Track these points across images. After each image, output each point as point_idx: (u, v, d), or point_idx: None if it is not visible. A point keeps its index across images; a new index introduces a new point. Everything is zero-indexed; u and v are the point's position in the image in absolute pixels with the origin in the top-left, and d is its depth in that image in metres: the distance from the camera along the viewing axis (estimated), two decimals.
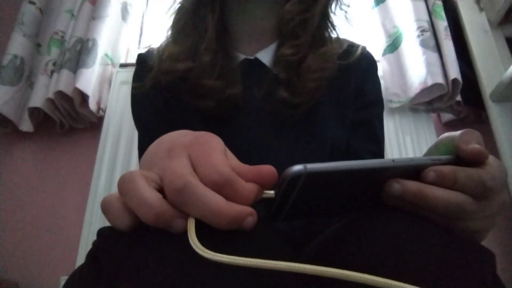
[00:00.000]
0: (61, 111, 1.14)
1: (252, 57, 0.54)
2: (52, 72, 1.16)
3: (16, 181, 1.19)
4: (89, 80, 1.11)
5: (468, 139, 0.28)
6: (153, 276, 0.22)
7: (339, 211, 0.33)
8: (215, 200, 0.22)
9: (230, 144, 0.29)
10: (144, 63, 0.56)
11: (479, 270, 0.24)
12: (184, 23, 0.52)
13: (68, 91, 1.09)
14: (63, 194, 1.17)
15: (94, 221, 1.06)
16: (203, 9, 0.51)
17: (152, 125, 0.55)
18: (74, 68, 1.13)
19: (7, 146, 1.24)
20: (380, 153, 0.57)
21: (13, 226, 1.13)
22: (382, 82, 0.77)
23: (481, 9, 1.11)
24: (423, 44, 1.10)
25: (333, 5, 0.55)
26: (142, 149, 0.56)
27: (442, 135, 0.32)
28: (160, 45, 0.55)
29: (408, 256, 0.25)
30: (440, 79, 1.06)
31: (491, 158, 0.28)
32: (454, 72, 1.05)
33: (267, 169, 0.25)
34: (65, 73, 1.11)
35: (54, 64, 1.18)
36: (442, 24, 1.12)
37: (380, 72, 0.85)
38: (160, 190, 0.24)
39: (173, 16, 0.55)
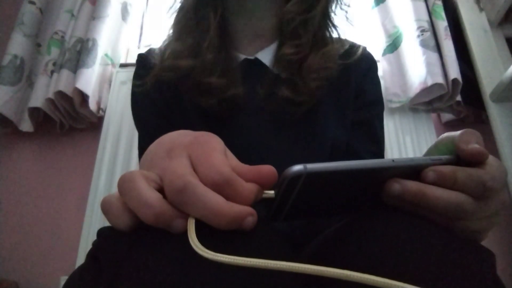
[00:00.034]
0: (61, 111, 1.14)
1: (252, 57, 0.54)
2: (52, 72, 1.16)
3: (16, 181, 1.19)
4: (89, 80, 1.11)
5: (468, 139, 0.28)
6: (153, 276, 0.22)
7: (339, 211, 0.33)
8: (215, 200, 0.22)
9: (230, 144, 0.29)
10: (144, 63, 0.56)
11: (479, 270, 0.24)
12: (186, 22, 0.53)
13: (68, 91, 1.09)
14: (63, 194, 1.17)
15: (94, 221, 1.06)
16: (204, 9, 0.51)
17: (152, 125, 0.55)
18: (74, 68, 1.13)
19: (7, 146, 1.24)
20: (380, 153, 0.57)
21: (13, 226, 1.13)
22: (382, 82, 0.77)
23: (481, 9, 1.11)
24: (423, 44, 1.10)
25: (333, 5, 0.55)
26: (142, 149, 0.56)
27: (442, 135, 0.32)
28: (162, 44, 0.55)
29: (408, 256, 0.25)
30: (440, 79, 1.06)
31: (491, 158, 0.28)
32: (454, 72, 1.05)
33: (267, 169, 0.25)
34: (65, 73, 1.11)
35: (54, 64, 1.18)
36: (442, 24, 1.12)
37: (380, 72, 0.85)
38: (160, 190, 0.24)
39: (175, 15, 0.55)
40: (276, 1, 0.53)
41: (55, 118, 1.17)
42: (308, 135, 0.52)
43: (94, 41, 1.15)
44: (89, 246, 0.27)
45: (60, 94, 1.10)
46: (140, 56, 0.58)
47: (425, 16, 1.15)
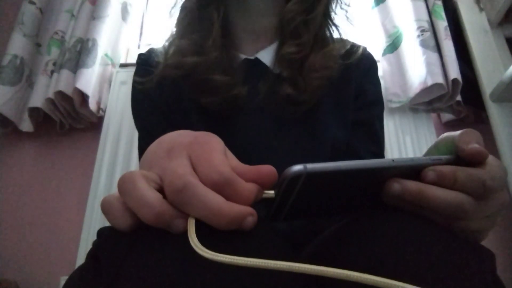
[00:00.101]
0: (61, 111, 1.14)
1: (252, 57, 0.54)
2: (52, 72, 1.16)
3: (16, 181, 1.19)
4: (89, 80, 1.11)
5: (468, 139, 0.28)
6: (153, 276, 0.22)
7: (339, 211, 0.33)
8: (215, 200, 0.22)
9: (231, 144, 0.29)
10: (145, 63, 0.56)
11: (479, 270, 0.24)
12: (190, 20, 0.53)
13: (68, 91, 1.09)
14: (63, 194, 1.17)
15: (94, 221, 1.06)
16: (207, 8, 0.51)
17: (152, 125, 0.55)
18: (74, 68, 1.13)
19: (7, 146, 1.24)
20: (380, 153, 0.57)
21: (13, 226, 1.13)
22: (382, 82, 0.77)
23: (481, 9, 1.11)
24: (423, 44, 1.10)
25: (334, 5, 0.55)
26: (142, 149, 0.56)
27: (442, 135, 0.32)
28: (165, 42, 0.55)
29: (408, 256, 0.25)
30: (440, 79, 1.06)
31: (491, 158, 0.28)
32: (454, 72, 1.05)
33: (267, 169, 0.25)
34: (65, 73, 1.11)
35: (54, 64, 1.18)
36: (442, 24, 1.12)
37: (380, 72, 0.85)
38: (160, 190, 0.24)
39: (178, 14, 0.55)
40: (277, 0, 0.53)
41: (55, 118, 1.17)
42: (308, 135, 0.52)
43: (94, 41, 1.15)
44: (89, 246, 0.27)
45: (60, 94, 1.10)
46: (141, 56, 0.58)
47: (425, 16, 1.15)
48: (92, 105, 1.13)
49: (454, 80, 1.05)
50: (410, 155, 1.12)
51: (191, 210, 0.22)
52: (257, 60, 0.54)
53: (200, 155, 0.25)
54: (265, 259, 0.20)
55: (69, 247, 1.09)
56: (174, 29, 0.55)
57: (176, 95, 0.53)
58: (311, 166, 0.24)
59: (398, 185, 0.27)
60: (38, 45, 1.25)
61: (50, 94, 1.10)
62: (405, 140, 1.15)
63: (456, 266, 0.24)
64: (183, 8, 0.54)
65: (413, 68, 1.11)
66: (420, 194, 0.27)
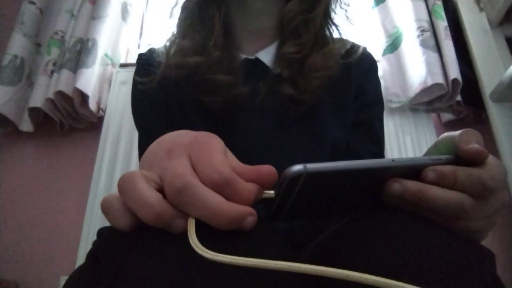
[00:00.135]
0: (61, 111, 1.14)
1: (252, 57, 0.54)
2: (52, 72, 1.16)
3: (16, 181, 1.19)
4: (89, 80, 1.11)
5: (468, 139, 0.28)
6: (153, 276, 0.22)
7: (339, 211, 0.33)
8: (215, 200, 0.22)
9: (231, 144, 0.29)
10: (145, 63, 0.56)
11: (479, 270, 0.24)
12: (191, 20, 0.53)
13: (68, 91, 1.09)
14: (63, 194, 1.17)
15: (94, 221, 1.06)
16: (209, 8, 0.51)
17: (152, 125, 0.55)
18: (74, 68, 1.13)
19: (7, 146, 1.24)
20: (380, 153, 0.57)
21: (13, 226, 1.13)
22: (382, 82, 0.77)
23: (481, 9, 1.11)
24: (423, 44, 1.10)
25: (334, 4, 0.55)
26: (142, 149, 0.56)
27: (442, 135, 0.32)
28: (166, 42, 0.55)
29: (408, 256, 0.25)
30: (440, 79, 1.06)
31: (491, 158, 0.28)
32: (454, 72, 1.05)
33: (267, 169, 0.25)
34: (65, 73, 1.11)
35: (54, 64, 1.18)
36: (442, 24, 1.12)
37: (380, 72, 0.85)
38: (160, 190, 0.24)
39: (179, 14, 0.55)
40: (277, 0, 0.53)
41: (55, 118, 1.17)
42: (308, 135, 0.52)
43: (94, 41, 1.15)
44: (89, 246, 0.27)
45: (60, 94, 1.10)
46: (142, 56, 0.58)
47: (425, 16, 1.15)
48: (92, 105, 1.13)
49: (454, 80, 1.05)
50: (410, 155, 1.12)
51: (191, 210, 0.22)
52: (257, 60, 0.54)
53: (200, 155, 0.25)
54: (265, 259, 0.20)
55: (69, 247, 1.09)
56: (175, 29, 0.55)
57: (177, 95, 0.53)
58: (311, 166, 0.24)
59: (398, 185, 0.27)
60: (38, 45, 1.25)
61: (50, 94, 1.10)
62: (405, 140, 1.15)
63: (456, 266, 0.24)
64: (184, 8, 0.54)
65: (413, 68, 1.11)
66: (420, 194, 0.27)
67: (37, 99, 1.13)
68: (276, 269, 0.20)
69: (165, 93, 0.54)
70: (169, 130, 0.31)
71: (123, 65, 1.27)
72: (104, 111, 1.20)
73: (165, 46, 0.54)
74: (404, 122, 1.18)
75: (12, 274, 1.06)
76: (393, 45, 1.20)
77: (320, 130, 0.53)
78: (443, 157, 0.28)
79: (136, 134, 0.73)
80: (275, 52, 0.54)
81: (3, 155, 1.23)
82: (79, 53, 1.15)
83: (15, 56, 1.17)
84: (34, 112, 1.17)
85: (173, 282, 0.21)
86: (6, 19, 1.35)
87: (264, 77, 0.52)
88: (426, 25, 1.13)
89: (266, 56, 0.54)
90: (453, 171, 0.27)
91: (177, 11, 0.56)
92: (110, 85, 1.23)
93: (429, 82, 1.05)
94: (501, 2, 1.02)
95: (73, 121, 1.20)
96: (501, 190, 0.28)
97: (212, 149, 0.25)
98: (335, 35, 0.56)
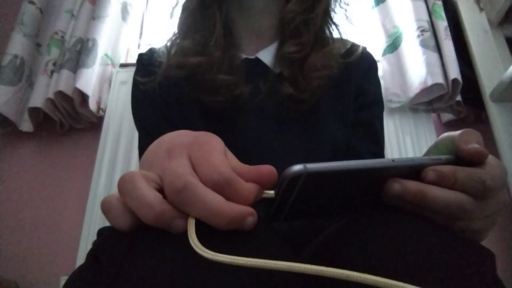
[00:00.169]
0: (61, 111, 1.14)
1: (252, 57, 0.54)
2: (52, 72, 1.16)
3: (16, 181, 1.19)
4: (89, 80, 1.11)
5: (468, 139, 0.28)
6: (153, 276, 0.22)
7: (339, 211, 0.33)
8: (215, 200, 0.22)
9: (231, 144, 0.29)
10: (146, 62, 0.56)
11: (479, 270, 0.24)
12: (192, 20, 0.53)
13: (68, 91, 1.09)
14: (63, 194, 1.17)
15: (94, 221, 1.06)
16: (210, 8, 0.51)
17: (152, 125, 0.55)
18: (74, 68, 1.13)
19: (7, 146, 1.24)
20: (380, 153, 0.57)
21: (13, 226, 1.13)
22: (382, 82, 0.77)
23: (481, 9, 1.11)
24: (423, 44, 1.10)
25: (333, 4, 0.55)
26: (142, 149, 0.56)
27: (442, 135, 0.32)
28: (167, 42, 0.55)
29: (408, 256, 0.25)
30: (440, 79, 1.06)
31: (491, 158, 0.28)
32: (454, 72, 1.05)
33: (267, 169, 0.25)
34: (65, 73, 1.11)
35: (54, 64, 1.18)
36: (442, 24, 1.12)
37: (380, 72, 0.85)
38: (160, 190, 0.24)
39: (180, 14, 0.55)
40: (277, 0, 0.53)
41: (55, 118, 1.17)
42: (308, 135, 0.52)
43: (94, 41, 1.15)
44: (89, 246, 0.27)
45: (60, 94, 1.10)
46: (143, 56, 0.58)
47: (425, 16, 1.15)
48: (92, 105, 1.13)
49: (454, 80, 1.05)
50: (410, 155, 1.12)
51: (191, 210, 0.22)
52: (257, 60, 0.54)
53: (200, 155, 0.25)
54: (265, 259, 0.20)
55: (69, 247, 1.09)
56: (176, 29, 0.55)
57: (177, 95, 0.53)
58: (311, 166, 0.24)
59: (398, 185, 0.27)
60: (38, 45, 1.25)
61: (50, 94, 1.10)
62: (405, 140, 1.15)
63: (456, 266, 0.24)
64: (185, 8, 0.54)
65: (413, 68, 1.11)
66: (420, 194, 0.27)
67: (37, 99, 1.13)
68: (276, 269, 0.20)
69: (165, 93, 0.54)
70: (169, 130, 0.31)
71: (123, 65, 1.27)
72: (104, 111, 1.19)
73: (166, 46, 0.54)
74: (404, 122, 1.18)
75: (12, 274, 1.06)
76: (393, 45, 1.20)
77: (320, 130, 0.53)
78: (443, 157, 0.28)
79: (136, 134, 0.73)
80: (275, 52, 0.54)
81: (3, 155, 1.23)
82: (79, 53, 1.15)
83: (15, 56, 1.17)
84: (34, 112, 1.17)
85: (173, 282, 0.21)
86: (6, 19, 1.35)
87: (264, 77, 0.52)
88: (426, 25, 1.13)
89: (266, 56, 0.54)
90: (453, 171, 0.27)
91: (178, 11, 0.56)
92: (110, 85, 1.23)
93: (429, 82, 1.05)
94: (501, 2, 1.02)
95: (73, 121, 1.20)
96: (501, 190, 0.28)
97: (212, 149, 0.25)
98: (335, 34, 0.56)
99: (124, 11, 1.29)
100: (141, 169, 0.28)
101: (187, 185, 0.22)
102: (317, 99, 0.51)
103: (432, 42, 1.11)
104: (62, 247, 1.10)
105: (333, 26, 0.56)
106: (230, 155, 0.27)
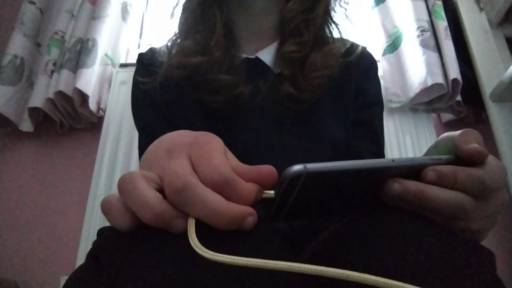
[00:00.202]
0: (61, 111, 1.14)
1: (253, 57, 0.54)
2: (52, 72, 1.16)
3: (16, 181, 1.19)
4: (89, 80, 1.11)
5: (468, 139, 0.28)
6: (153, 276, 0.21)
7: (339, 211, 0.33)
8: (215, 200, 0.22)
9: (231, 144, 0.29)
10: (146, 62, 0.56)
11: (479, 270, 0.24)
12: (193, 20, 0.53)
13: (68, 91, 1.09)
14: (63, 194, 1.17)
15: (94, 221, 1.06)
16: (210, 8, 0.51)
17: (152, 125, 0.55)
18: (74, 68, 1.13)
19: (7, 146, 1.24)
20: (380, 153, 0.57)
21: (13, 226, 1.13)
22: (382, 82, 0.77)
23: (481, 9, 1.11)
24: (423, 44, 1.10)
25: (333, 3, 0.55)
26: (142, 149, 0.56)
27: (442, 135, 0.32)
28: (168, 42, 0.55)
29: (408, 256, 0.25)
30: (440, 79, 1.06)
31: (491, 158, 0.28)
32: (454, 72, 1.05)
33: (267, 169, 0.25)
34: (65, 73, 1.11)
35: (54, 64, 1.18)
36: (442, 24, 1.12)
37: (380, 72, 0.85)
38: (160, 190, 0.24)
39: (180, 14, 0.55)
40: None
41: (55, 118, 1.17)
42: (308, 135, 0.52)
43: (94, 41, 1.15)
44: (89, 246, 0.27)
45: (60, 94, 1.10)
46: (144, 56, 0.58)
47: (425, 16, 1.15)
48: (92, 105, 1.13)
49: (454, 80, 1.05)
50: (410, 155, 1.12)
51: (191, 210, 0.22)
52: (257, 60, 0.54)
53: (200, 155, 0.25)
54: (265, 259, 0.20)
55: (69, 247, 1.09)
56: (176, 29, 0.55)
57: (177, 95, 0.53)
58: (311, 166, 0.24)
59: (398, 185, 0.27)
60: (38, 45, 1.25)
61: (50, 94, 1.10)
62: (405, 140, 1.15)
63: (456, 266, 0.24)
64: (185, 8, 0.54)
65: (413, 68, 1.11)
66: (420, 194, 0.27)
67: (37, 99, 1.13)
68: (276, 269, 0.20)
69: (165, 93, 0.54)
70: (169, 130, 0.31)
71: (123, 65, 1.27)
72: (104, 111, 1.20)
73: (167, 46, 0.54)
74: (404, 122, 1.18)
75: (12, 274, 1.06)
76: (393, 45, 1.20)
77: (320, 130, 0.53)
78: (443, 157, 0.28)
79: (136, 134, 0.73)
80: (276, 52, 0.54)
81: (3, 155, 1.23)
82: (79, 53, 1.15)
83: (15, 56, 1.17)
84: (34, 112, 1.17)
85: (173, 282, 0.21)
86: (6, 19, 1.35)
87: (264, 77, 0.52)
88: (426, 25, 1.13)
89: (267, 55, 0.54)
90: (453, 171, 0.27)
91: (178, 11, 0.56)
92: (110, 85, 1.23)
93: (429, 82, 1.05)
94: (501, 2, 1.02)
95: (73, 121, 1.20)
96: (501, 190, 0.28)
97: (212, 149, 0.25)
98: (335, 34, 0.56)
99: (124, 11, 1.29)
100: (141, 169, 0.28)
101: (187, 185, 0.22)
102: (317, 99, 0.51)
103: (432, 42, 1.11)
104: (62, 247, 1.10)
105: (333, 26, 0.56)
106: (230, 155, 0.27)
